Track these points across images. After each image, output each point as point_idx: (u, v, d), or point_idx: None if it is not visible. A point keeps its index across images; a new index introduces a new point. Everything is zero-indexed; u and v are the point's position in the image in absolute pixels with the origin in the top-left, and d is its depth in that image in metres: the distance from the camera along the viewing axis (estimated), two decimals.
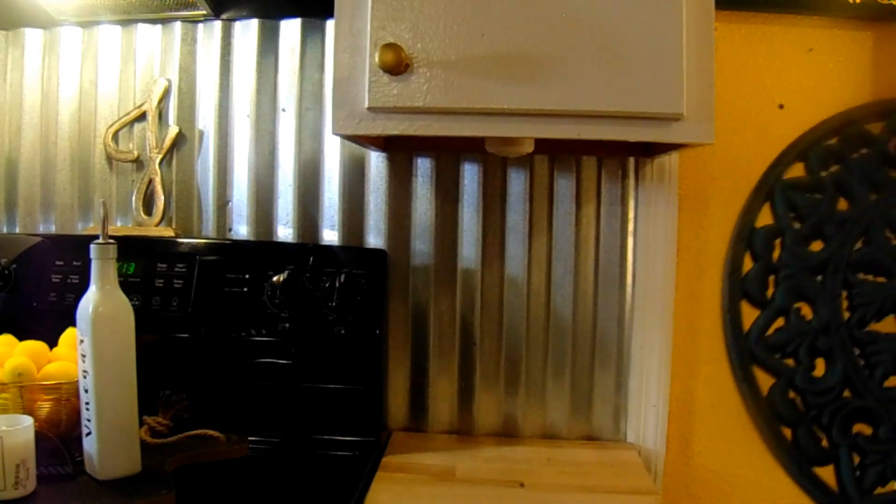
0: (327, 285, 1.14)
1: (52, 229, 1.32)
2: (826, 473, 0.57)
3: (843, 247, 0.63)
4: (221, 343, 1.16)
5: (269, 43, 1.27)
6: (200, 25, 1.28)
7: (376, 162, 1.26)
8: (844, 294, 0.62)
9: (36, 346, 0.98)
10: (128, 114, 1.29)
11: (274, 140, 1.28)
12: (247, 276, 1.17)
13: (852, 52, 1.21)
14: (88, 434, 0.88)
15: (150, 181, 1.28)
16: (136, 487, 0.88)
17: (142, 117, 1.28)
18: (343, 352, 1.16)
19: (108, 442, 0.88)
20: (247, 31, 1.27)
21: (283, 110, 1.27)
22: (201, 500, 0.94)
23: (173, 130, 1.28)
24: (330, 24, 1.24)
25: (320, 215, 1.28)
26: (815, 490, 0.59)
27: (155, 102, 1.27)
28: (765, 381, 0.64)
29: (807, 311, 0.63)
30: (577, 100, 0.88)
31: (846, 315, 0.62)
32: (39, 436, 0.85)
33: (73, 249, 1.19)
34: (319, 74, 1.26)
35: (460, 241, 1.25)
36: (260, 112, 1.28)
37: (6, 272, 1.17)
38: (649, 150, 1.19)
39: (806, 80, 1.17)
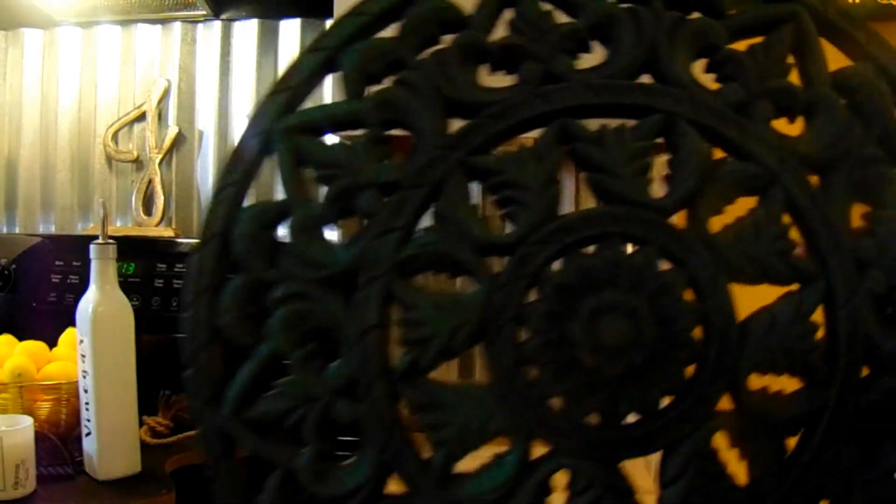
0: None
1: (52, 229, 1.32)
2: None
3: (390, 233, 0.33)
4: None
5: (268, 43, 1.27)
6: (200, 26, 1.28)
7: None
8: (388, 314, 0.34)
9: (36, 346, 0.98)
10: (128, 114, 1.29)
11: None
12: None
13: None
14: (88, 434, 0.88)
15: (150, 181, 1.28)
16: (136, 487, 0.87)
17: (142, 117, 1.28)
18: None
19: (108, 442, 0.88)
20: (246, 31, 1.27)
21: None
22: (201, 500, 0.94)
23: (173, 130, 1.28)
24: (329, 25, 1.24)
25: None
26: None
27: (155, 103, 1.27)
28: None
29: (323, 355, 0.35)
30: None
31: (387, 358, 0.34)
32: (39, 436, 0.85)
33: (72, 249, 1.18)
34: None
35: None
36: None
37: (6, 272, 1.17)
38: None
39: None
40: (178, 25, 1.28)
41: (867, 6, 1.21)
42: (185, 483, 0.90)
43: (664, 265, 0.33)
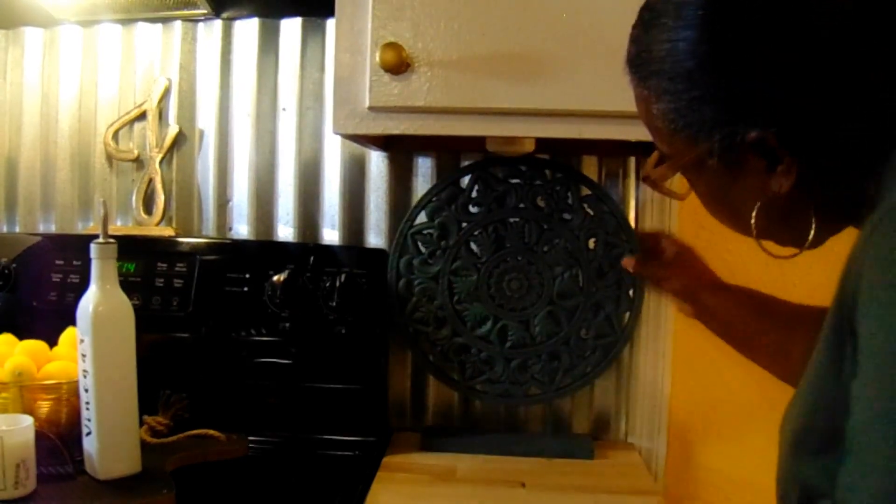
0: (328, 285, 1.14)
1: (52, 229, 1.32)
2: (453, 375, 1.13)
3: (447, 263, 1.12)
4: (221, 343, 1.16)
5: (269, 42, 1.27)
6: (201, 24, 1.28)
7: (377, 161, 1.26)
8: (449, 286, 1.10)
9: (36, 345, 0.98)
10: (128, 113, 1.29)
11: (274, 139, 1.28)
12: (247, 276, 1.16)
13: None
14: (88, 434, 0.88)
15: (151, 180, 1.28)
16: (136, 487, 0.88)
17: (142, 116, 1.28)
18: (344, 351, 1.16)
19: (108, 442, 0.88)
20: (247, 30, 1.27)
21: (284, 109, 1.27)
22: (201, 500, 0.94)
23: (173, 130, 1.28)
24: (331, 24, 1.24)
25: (321, 215, 1.28)
26: (449, 382, 1.12)
27: (155, 101, 1.27)
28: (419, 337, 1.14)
29: (432, 299, 1.12)
30: (577, 99, 0.88)
31: (454, 298, 1.11)
32: (39, 436, 0.85)
33: (73, 249, 1.18)
34: (320, 74, 1.26)
35: None
36: (260, 111, 1.27)
37: (6, 272, 1.17)
38: (650, 150, 1.19)
39: None
40: (178, 24, 1.28)
41: None
42: (185, 483, 0.90)
43: None
